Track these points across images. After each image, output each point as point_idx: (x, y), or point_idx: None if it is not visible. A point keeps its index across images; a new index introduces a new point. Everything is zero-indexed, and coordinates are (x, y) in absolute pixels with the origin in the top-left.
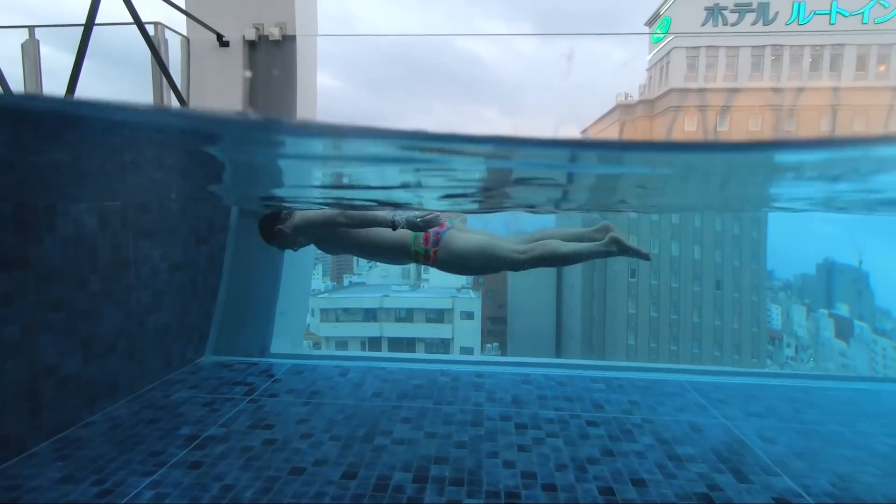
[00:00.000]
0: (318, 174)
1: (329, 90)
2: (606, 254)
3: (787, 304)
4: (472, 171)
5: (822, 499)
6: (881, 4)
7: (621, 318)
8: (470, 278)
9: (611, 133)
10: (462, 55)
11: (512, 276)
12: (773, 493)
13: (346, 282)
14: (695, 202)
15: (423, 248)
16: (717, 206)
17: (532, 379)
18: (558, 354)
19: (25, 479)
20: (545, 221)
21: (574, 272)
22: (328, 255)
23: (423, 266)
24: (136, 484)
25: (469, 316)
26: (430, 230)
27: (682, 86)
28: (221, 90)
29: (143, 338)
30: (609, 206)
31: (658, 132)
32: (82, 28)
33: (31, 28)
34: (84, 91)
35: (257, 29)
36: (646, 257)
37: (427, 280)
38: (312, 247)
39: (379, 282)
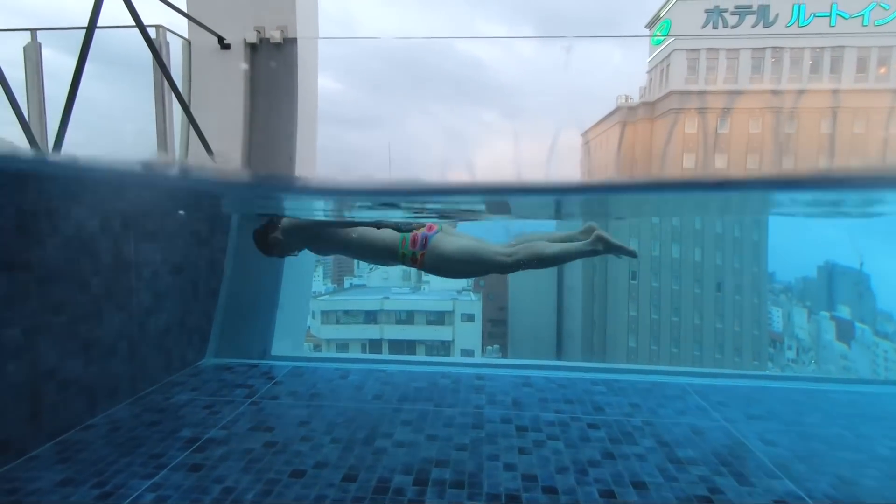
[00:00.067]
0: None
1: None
2: (593, 252)
3: (789, 307)
4: (471, 203)
5: (823, 501)
6: (881, 7)
7: (622, 321)
8: (470, 280)
9: (612, 135)
10: (463, 58)
11: (513, 279)
12: (774, 496)
13: (346, 284)
14: (693, 212)
15: (410, 251)
16: (716, 211)
17: (533, 381)
18: (559, 357)
19: (26, 481)
20: (545, 226)
21: (575, 274)
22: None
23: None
24: (137, 486)
25: (470, 318)
26: (417, 233)
27: (683, 88)
28: (222, 92)
29: (143, 340)
30: (607, 217)
31: (659, 134)
32: (84, 31)
33: (33, 31)
34: (85, 93)
35: (258, 31)
36: (632, 254)
37: (428, 282)
38: None
39: (380, 284)
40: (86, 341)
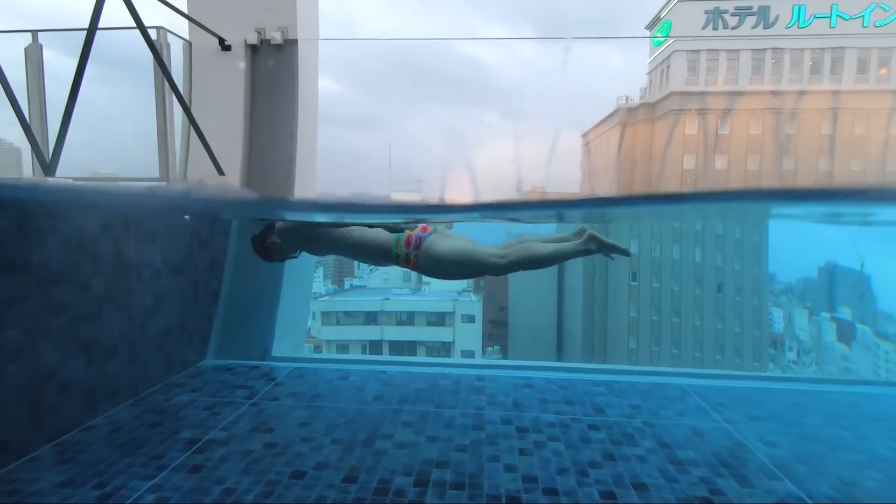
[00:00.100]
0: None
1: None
2: (586, 252)
3: (789, 308)
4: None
5: (824, 503)
6: (882, 8)
7: (622, 322)
8: (471, 281)
9: (612, 136)
10: (463, 59)
11: (513, 280)
12: (775, 498)
13: (347, 285)
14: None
15: (404, 252)
16: (716, 216)
17: (533, 382)
18: (559, 358)
19: (26, 482)
20: (545, 228)
21: (575, 276)
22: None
23: None
24: (137, 487)
25: (470, 319)
26: (412, 234)
27: (683, 89)
28: (223, 94)
29: (144, 341)
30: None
31: (659, 136)
32: (85, 32)
33: (34, 32)
34: (86, 94)
35: (259, 33)
36: (626, 253)
37: (428, 283)
38: None
39: (380, 285)
40: (86, 342)
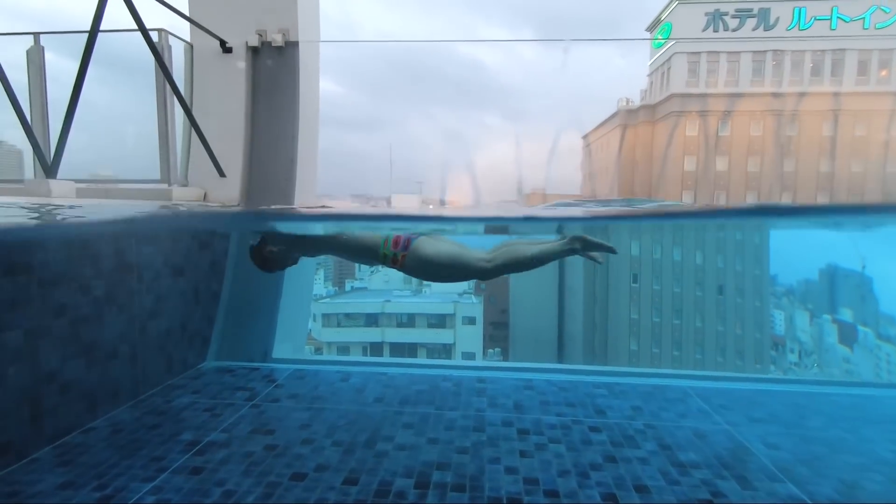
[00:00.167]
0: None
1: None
2: (571, 252)
3: (791, 310)
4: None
5: None
6: (882, 10)
7: (623, 324)
8: (471, 283)
9: (613, 138)
10: (464, 60)
11: (514, 282)
12: (776, 500)
13: (347, 287)
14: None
15: (391, 252)
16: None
17: (534, 384)
18: (560, 360)
19: (26, 484)
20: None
21: (576, 278)
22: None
23: None
24: (138, 489)
25: (471, 321)
26: (400, 234)
27: (684, 91)
28: (224, 95)
29: (144, 343)
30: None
31: (659, 137)
32: (87, 34)
33: (36, 34)
34: (88, 96)
35: (260, 35)
36: (611, 250)
37: (429, 285)
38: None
39: (381, 287)
40: (87, 344)
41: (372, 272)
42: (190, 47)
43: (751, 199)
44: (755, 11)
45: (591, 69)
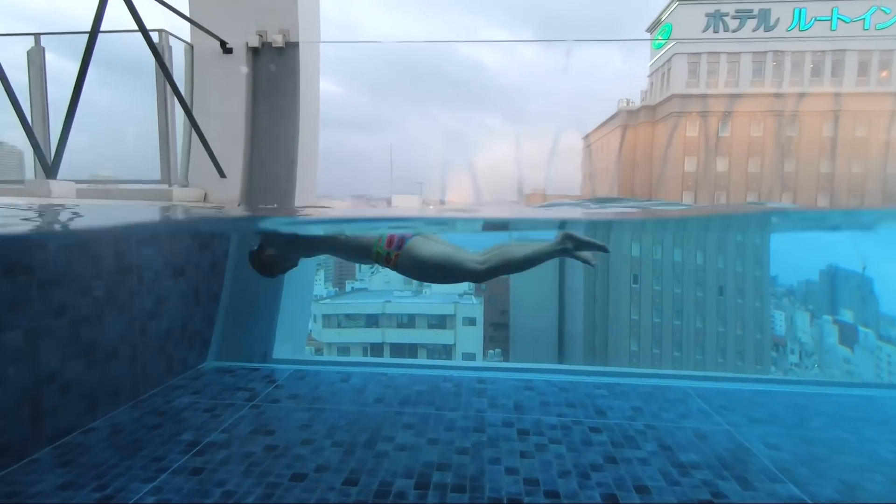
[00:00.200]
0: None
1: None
2: (562, 251)
3: (791, 311)
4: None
5: None
6: (882, 10)
7: (624, 324)
8: (472, 284)
9: (613, 138)
10: (464, 61)
11: (515, 283)
12: (777, 501)
13: (348, 287)
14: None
15: (385, 251)
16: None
17: (534, 385)
18: (561, 360)
19: (26, 485)
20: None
21: (576, 278)
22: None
23: None
24: (138, 490)
25: (471, 322)
26: (395, 233)
27: (684, 92)
28: (225, 96)
29: (145, 343)
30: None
31: (660, 138)
32: (87, 35)
33: (36, 35)
34: (88, 97)
35: (260, 35)
36: (603, 249)
37: (430, 286)
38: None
39: (381, 287)
40: (87, 344)
41: (372, 273)
42: (190, 48)
43: (751, 200)
44: (755, 12)
45: (592, 70)
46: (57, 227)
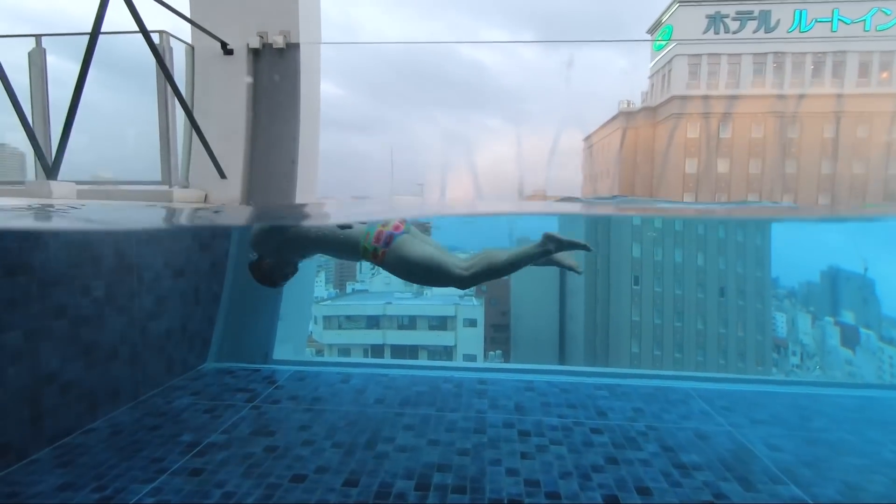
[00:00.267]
0: None
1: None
2: (545, 253)
3: (793, 312)
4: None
5: None
6: (883, 12)
7: (625, 326)
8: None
9: (614, 140)
10: (465, 63)
11: (515, 284)
12: (779, 502)
13: (348, 289)
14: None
15: (372, 246)
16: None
17: (535, 386)
18: (562, 361)
19: (26, 485)
20: (548, 221)
21: (577, 279)
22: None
23: None
24: (137, 490)
25: (472, 323)
26: (383, 230)
27: (685, 93)
28: (225, 97)
29: (145, 344)
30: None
31: (660, 139)
32: (88, 36)
33: (37, 37)
34: (89, 98)
35: (261, 37)
36: (586, 248)
37: (430, 287)
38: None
39: (382, 289)
40: (87, 345)
41: (373, 274)
42: (191, 49)
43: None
44: (756, 13)
45: (593, 71)
46: (57, 227)
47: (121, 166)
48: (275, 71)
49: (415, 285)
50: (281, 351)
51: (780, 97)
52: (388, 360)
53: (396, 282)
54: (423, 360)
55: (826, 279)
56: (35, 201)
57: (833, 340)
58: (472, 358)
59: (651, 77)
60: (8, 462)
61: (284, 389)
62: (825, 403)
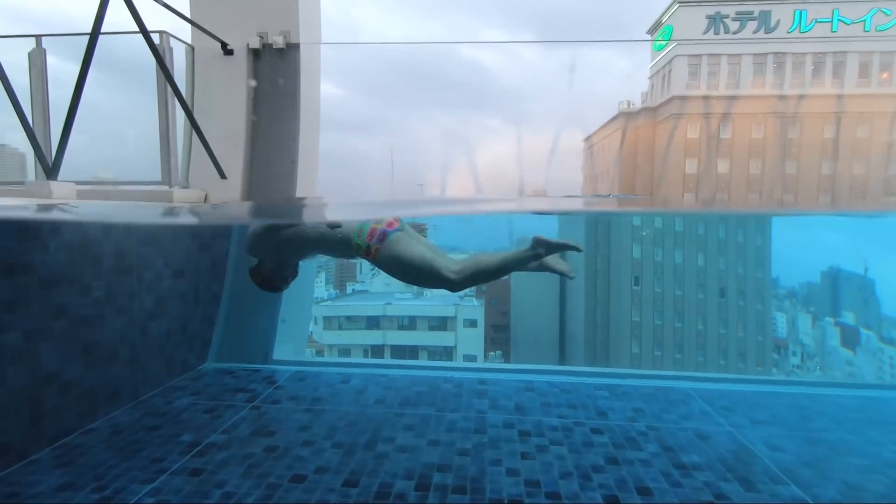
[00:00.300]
0: None
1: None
2: (535, 256)
3: (793, 313)
4: None
5: None
6: (883, 12)
7: (625, 326)
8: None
9: (614, 140)
10: (466, 63)
11: (515, 284)
12: (780, 502)
13: (349, 289)
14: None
15: (365, 242)
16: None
17: (535, 386)
18: (562, 362)
19: (26, 485)
20: (548, 222)
21: (577, 280)
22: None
23: None
24: (137, 491)
25: (472, 324)
26: (377, 226)
27: (685, 93)
28: (225, 97)
29: (145, 344)
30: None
31: (661, 139)
32: (88, 37)
33: (37, 37)
34: (89, 98)
35: (261, 37)
36: (576, 249)
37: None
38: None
39: (382, 289)
40: (87, 345)
41: (373, 274)
42: (191, 49)
43: (752, 201)
44: (756, 14)
45: (593, 72)
46: (57, 227)
47: (121, 166)
48: (275, 71)
49: (414, 286)
50: (281, 351)
51: (781, 97)
52: (388, 360)
53: (397, 283)
54: (423, 361)
55: (826, 279)
56: (35, 201)
57: (833, 341)
58: (472, 358)
59: (651, 77)
60: (8, 462)
61: (284, 390)
62: (826, 404)
